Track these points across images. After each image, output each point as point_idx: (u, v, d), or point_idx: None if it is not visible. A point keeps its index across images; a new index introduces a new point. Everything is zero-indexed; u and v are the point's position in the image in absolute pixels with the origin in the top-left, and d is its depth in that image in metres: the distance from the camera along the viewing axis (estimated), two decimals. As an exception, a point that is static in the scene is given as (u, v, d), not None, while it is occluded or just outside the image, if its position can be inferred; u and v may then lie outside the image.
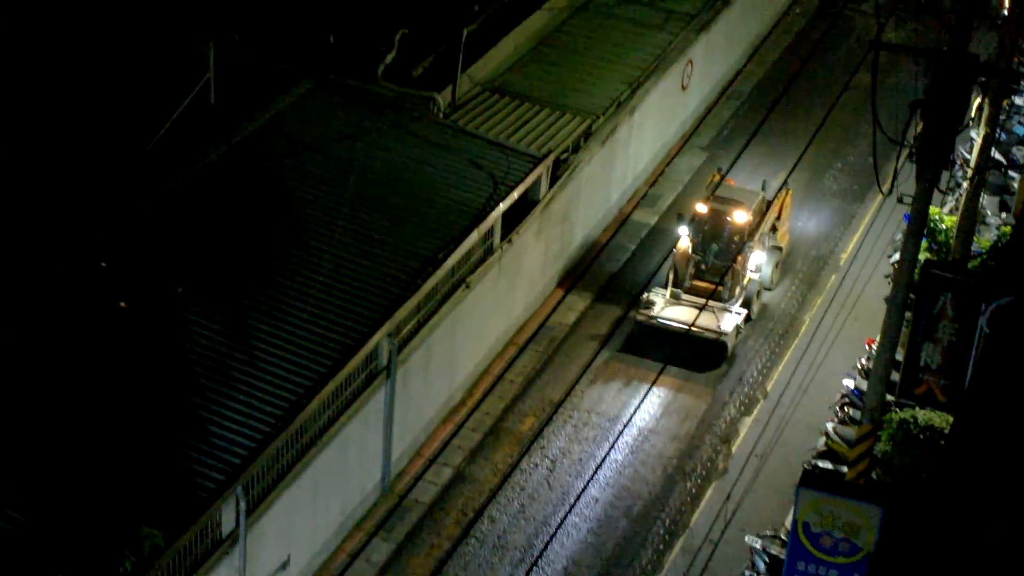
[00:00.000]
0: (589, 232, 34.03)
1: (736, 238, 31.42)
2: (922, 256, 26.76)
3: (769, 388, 30.27)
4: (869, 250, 34.13)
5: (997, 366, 19.19)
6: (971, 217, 27.98)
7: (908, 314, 23.32)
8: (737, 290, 31.34)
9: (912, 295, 22.87)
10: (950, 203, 33.30)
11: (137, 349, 23.39)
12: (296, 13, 33.29)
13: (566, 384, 29.82)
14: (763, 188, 32.67)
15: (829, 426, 27.22)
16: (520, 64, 34.63)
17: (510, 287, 30.14)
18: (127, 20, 32.45)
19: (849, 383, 28.22)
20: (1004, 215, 34.11)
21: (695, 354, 30.46)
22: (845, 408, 27.81)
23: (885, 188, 24.82)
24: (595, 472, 27.11)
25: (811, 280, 34.00)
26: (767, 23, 43.82)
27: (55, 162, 27.65)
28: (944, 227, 30.58)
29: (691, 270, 31.48)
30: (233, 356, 23.67)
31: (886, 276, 31.91)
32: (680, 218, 32.23)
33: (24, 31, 31.27)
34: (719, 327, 30.44)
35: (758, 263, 32.07)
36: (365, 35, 32.61)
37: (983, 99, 27.69)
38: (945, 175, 28.37)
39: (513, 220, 29.47)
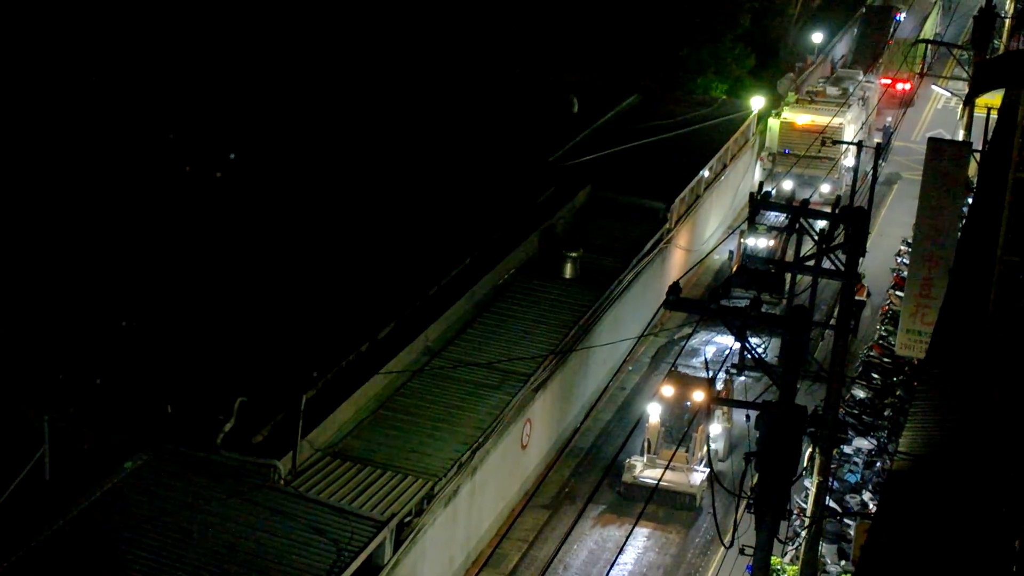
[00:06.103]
0: (435, 596, 33.56)
1: (696, 412, 37.97)
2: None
3: None
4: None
5: None
6: (812, 566, 28.28)
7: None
8: (699, 454, 38.37)
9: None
10: (790, 552, 33.65)
11: None
12: (133, 384, 33.21)
13: None
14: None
15: None
16: (360, 428, 34.74)
17: (356, 656, 29.37)
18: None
19: None
20: (843, 563, 34.50)
21: (672, 504, 37.84)
22: None
23: (727, 540, 25.07)
24: None
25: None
26: (601, 381, 44.77)
27: None
28: (787, 576, 30.88)
29: (660, 440, 38.61)
30: None
31: (733, 629, 31.89)
32: (652, 397, 40.15)
33: None
34: (689, 483, 37.87)
35: (715, 434, 38.84)
36: (203, 404, 32.52)
37: (814, 449, 28.43)
38: (784, 525, 28.81)
39: (357, 586, 29.00)
